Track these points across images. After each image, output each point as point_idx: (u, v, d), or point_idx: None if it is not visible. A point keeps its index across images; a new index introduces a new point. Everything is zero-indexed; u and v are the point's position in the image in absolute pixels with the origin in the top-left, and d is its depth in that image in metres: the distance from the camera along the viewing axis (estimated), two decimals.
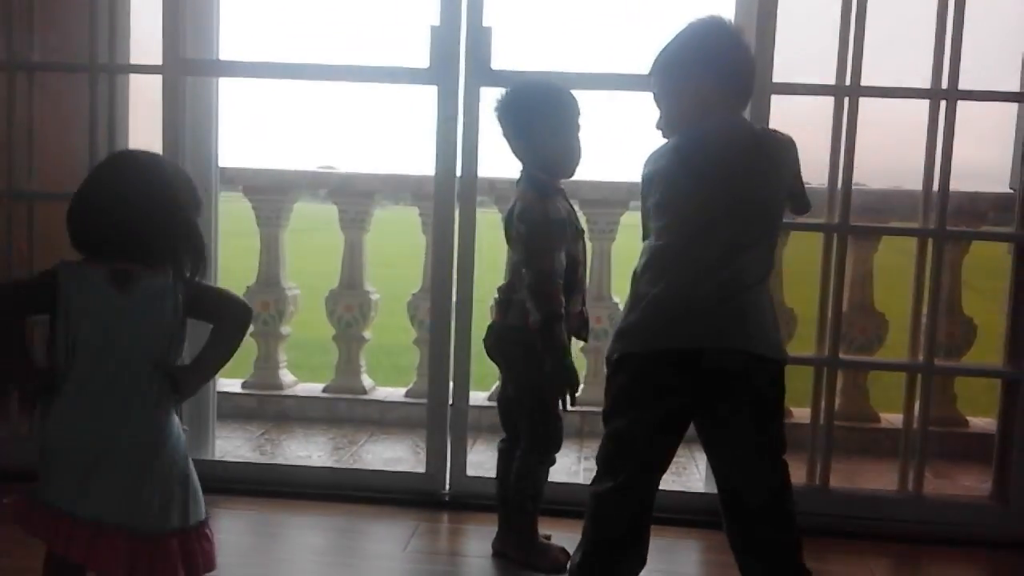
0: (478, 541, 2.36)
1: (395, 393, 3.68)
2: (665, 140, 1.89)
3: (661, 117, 1.90)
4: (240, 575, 2.08)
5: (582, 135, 2.15)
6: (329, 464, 3.07)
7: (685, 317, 1.71)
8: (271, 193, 3.61)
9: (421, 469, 2.71)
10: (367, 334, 3.70)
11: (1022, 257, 2.53)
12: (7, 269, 2.69)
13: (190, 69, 2.60)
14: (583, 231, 2.20)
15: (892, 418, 3.53)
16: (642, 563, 1.81)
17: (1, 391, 1.73)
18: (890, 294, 3.56)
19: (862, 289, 3.48)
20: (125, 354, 1.57)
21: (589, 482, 1.83)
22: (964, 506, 2.63)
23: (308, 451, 3.19)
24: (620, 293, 3.71)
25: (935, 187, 2.49)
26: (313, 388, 3.70)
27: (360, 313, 3.65)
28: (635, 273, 1.81)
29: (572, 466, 3.10)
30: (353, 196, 3.63)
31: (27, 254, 2.70)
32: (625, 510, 1.79)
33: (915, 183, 2.56)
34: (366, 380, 3.70)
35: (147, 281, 1.57)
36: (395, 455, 3.19)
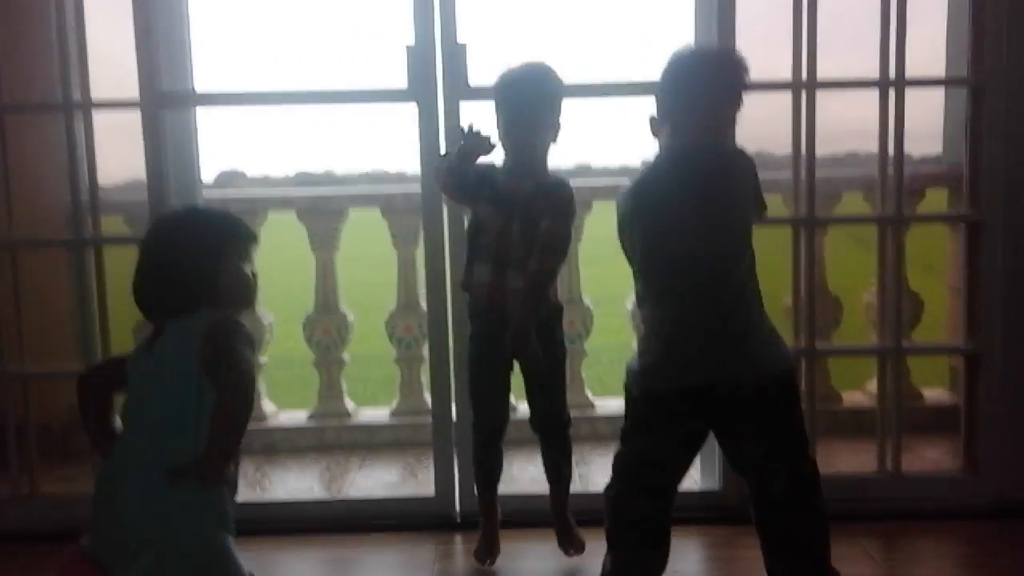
0: (500, 559, 2.45)
1: (380, 415, 3.73)
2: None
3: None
4: None
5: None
6: (327, 495, 3.10)
7: (696, 357, 1.84)
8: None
9: (422, 491, 2.79)
10: (346, 356, 3.74)
11: (973, 238, 2.71)
12: None
13: (169, 102, 2.62)
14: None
15: (851, 397, 3.73)
16: (666, 557, 1.93)
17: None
18: (836, 274, 3.75)
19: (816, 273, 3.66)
20: (149, 419, 1.56)
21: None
22: (940, 480, 2.83)
23: (306, 483, 3.22)
24: (591, 294, 3.82)
25: (890, 172, 2.67)
26: (298, 417, 3.73)
27: (338, 336, 3.68)
28: (643, 311, 1.93)
29: None
30: (323, 215, 3.67)
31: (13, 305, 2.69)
32: (649, 503, 1.91)
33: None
34: (349, 403, 3.74)
35: (173, 335, 1.57)
36: (392, 479, 3.24)
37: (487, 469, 2.44)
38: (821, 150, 2.67)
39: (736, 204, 1.91)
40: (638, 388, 1.90)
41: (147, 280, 1.62)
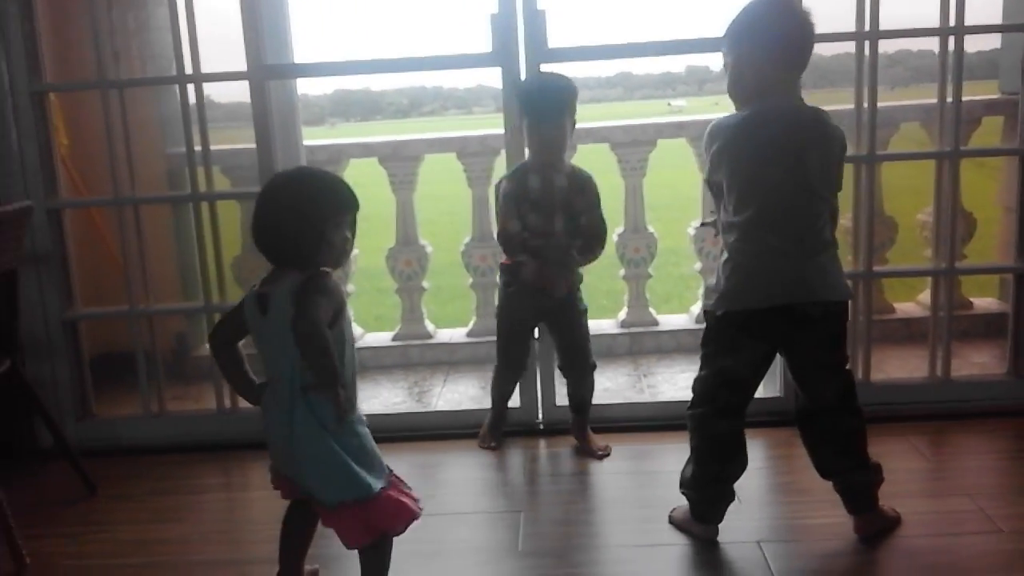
0: (577, 461, 2.77)
1: (458, 335, 4.04)
2: (733, 111, 2.15)
3: (727, 82, 2.15)
4: None
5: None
6: (419, 407, 3.43)
7: (776, 281, 2.07)
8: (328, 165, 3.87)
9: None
10: (425, 283, 4.03)
11: None
12: (124, 269, 3.01)
13: (273, 73, 2.84)
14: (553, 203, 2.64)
15: (902, 307, 3.93)
16: (744, 466, 2.23)
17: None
18: (893, 193, 3.91)
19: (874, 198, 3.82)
20: (274, 364, 1.87)
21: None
22: (986, 384, 3.04)
23: (398, 396, 3.54)
24: (653, 223, 4.07)
25: (948, 115, 2.83)
26: (383, 337, 4.05)
27: (419, 266, 3.97)
28: (726, 239, 2.14)
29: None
30: (402, 160, 3.91)
31: (138, 253, 3.01)
32: (728, 422, 2.19)
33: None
34: (429, 325, 4.05)
35: (276, 298, 1.83)
36: (474, 393, 3.54)
37: (505, 393, 2.93)
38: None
39: (826, 162, 2.09)
40: (721, 308, 2.13)
41: (262, 236, 1.86)
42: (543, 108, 2.60)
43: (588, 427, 2.87)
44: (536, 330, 2.90)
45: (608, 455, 2.78)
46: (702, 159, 3.72)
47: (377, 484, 1.88)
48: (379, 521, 1.89)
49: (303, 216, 1.82)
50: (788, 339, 2.15)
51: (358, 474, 1.86)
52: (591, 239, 2.67)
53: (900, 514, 2.28)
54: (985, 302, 3.95)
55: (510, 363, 2.86)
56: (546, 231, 2.65)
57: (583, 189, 2.67)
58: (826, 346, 2.15)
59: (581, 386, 2.83)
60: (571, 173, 2.68)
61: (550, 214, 2.64)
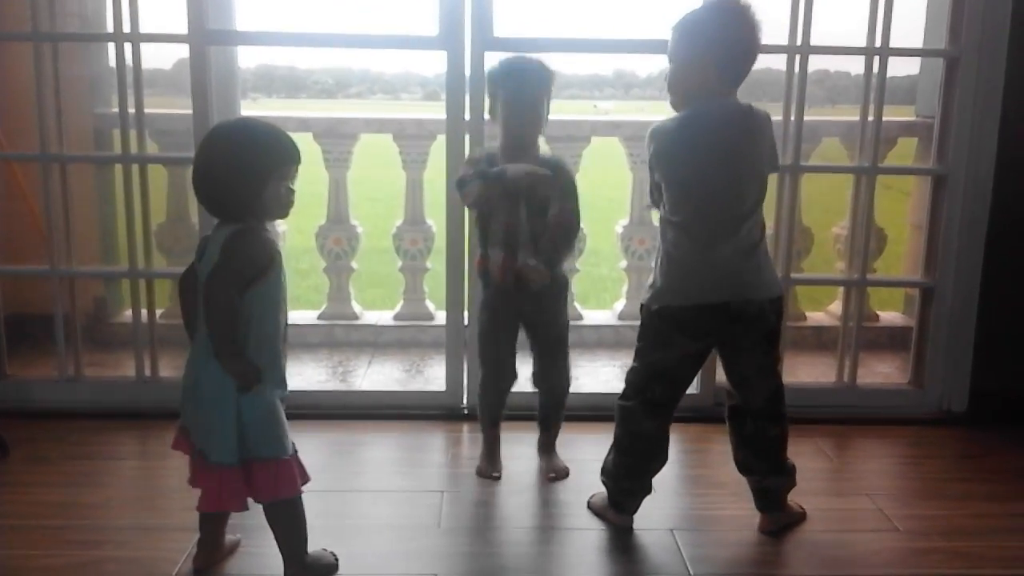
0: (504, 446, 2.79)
1: (385, 317, 4.04)
2: (671, 112, 2.18)
3: (668, 77, 2.17)
4: (321, 488, 2.38)
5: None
6: (343, 386, 3.42)
7: (711, 278, 2.12)
8: None
9: (431, 387, 3.14)
10: (354, 264, 4.01)
11: (938, 188, 3.03)
12: (47, 228, 2.93)
13: (214, 39, 2.79)
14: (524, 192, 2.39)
15: (812, 316, 4.10)
16: (664, 463, 2.30)
17: None
18: (810, 206, 4.07)
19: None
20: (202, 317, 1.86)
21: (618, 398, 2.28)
22: (889, 392, 3.21)
23: (321, 375, 3.53)
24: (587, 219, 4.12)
25: (869, 132, 2.98)
26: (308, 315, 4.04)
27: (348, 246, 3.95)
28: (664, 237, 2.19)
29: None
30: (338, 138, 3.88)
31: (63, 212, 2.94)
32: (655, 421, 2.25)
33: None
34: (356, 307, 4.04)
35: (210, 246, 1.84)
36: (399, 376, 3.55)
37: (494, 415, 2.66)
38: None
39: (757, 160, 2.17)
40: (657, 304, 2.18)
41: (201, 188, 1.85)
42: (522, 83, 2.39)
43: (554, 448, 2.69)
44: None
45: (557, 479, 2.61)
46: (633, 159, 3.80)
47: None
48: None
49: (243, 171, 1.81)
50: (724, 337, 2.19)
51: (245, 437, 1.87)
52: (558, 233, 2.42)
53: (806, 510, 2.39)
54: (890, 315, 4.15)
55: (488, 367, 2.57)
56: (509, 219, 2.42)
57: (555, 176, 2.40)
58: (762, 346, 2.20)
59: (549, 401, 2.64)
60: (543, 161, 2.44)
61: (515, 201, 2.40)
